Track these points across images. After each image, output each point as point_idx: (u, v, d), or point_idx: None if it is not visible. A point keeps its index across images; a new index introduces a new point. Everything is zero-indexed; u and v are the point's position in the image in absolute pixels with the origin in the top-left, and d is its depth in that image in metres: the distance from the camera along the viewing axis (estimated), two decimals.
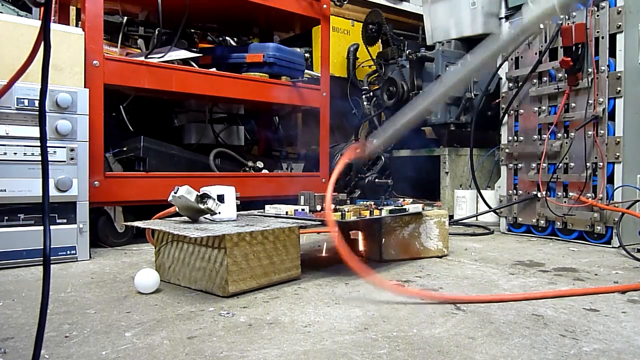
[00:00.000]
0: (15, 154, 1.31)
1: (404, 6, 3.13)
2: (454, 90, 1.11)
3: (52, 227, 1.33)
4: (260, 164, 2.03)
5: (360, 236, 1.44)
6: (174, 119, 2.28)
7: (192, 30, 2.34)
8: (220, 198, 1.21)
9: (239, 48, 2.03)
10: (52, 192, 1.35)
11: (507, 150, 2.04)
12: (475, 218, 2.28)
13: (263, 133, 2.54)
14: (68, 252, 1.38)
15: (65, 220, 1.38)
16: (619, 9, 1.65)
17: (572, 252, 1.60)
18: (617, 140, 1.66)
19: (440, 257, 1.47)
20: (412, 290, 1.08)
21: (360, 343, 0.76)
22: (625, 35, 1.65)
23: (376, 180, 2.30)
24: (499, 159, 2.13)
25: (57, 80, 1.40)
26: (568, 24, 1.78)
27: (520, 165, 1.99)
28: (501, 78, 2.09)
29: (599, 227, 1.70)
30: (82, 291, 1.07)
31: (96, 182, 1.51)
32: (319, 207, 1.29)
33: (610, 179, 1.70)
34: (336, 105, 2.37)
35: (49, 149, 1.33)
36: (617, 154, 1.66)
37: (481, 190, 2.21)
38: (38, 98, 0.64)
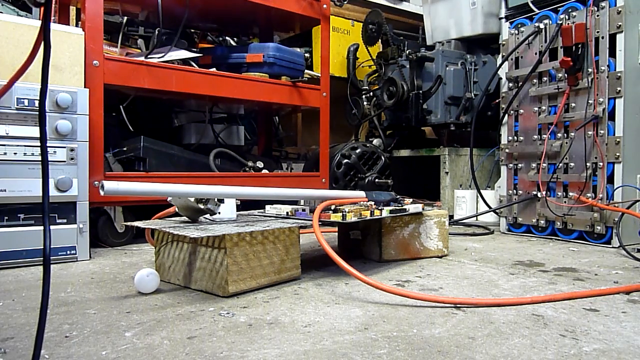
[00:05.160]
0: (15, 154, 1.31)
1: (404, 6, 3.12)
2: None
3: (52, 227, 1.33)
4: (260, 164, 2.03)
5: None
6: (174, 119, 2.28)
7: (192, 30, 2.34)
8: (220, 198, 1.21)
9: (239, 48, 2.03)
10: (52, 192, 1.35)
11: (507, 150, 2.04)
12: (475, 218, 2.28)
13: (263, 133, 2.54)
14: (68, 252, 1.38)
15: (65, 220, 1.38)
16: (619, 9, 1.65)
17: (572, 252, 1.60)
18: (617, 140, 1.66)
19: (440, 257, 1.47)
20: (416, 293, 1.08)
21: (360, 343, 0.76)
22: (625, 35, 1.65)
23: (376, 180, 2.30)
24: (499, 159, 2.13)
25: (57, 80, 1.40)
26: (568, 24, 1.78)
27: (520, 165, 1.99)
28: (501, 78, 2.09)
29: (599, 227, 1.70)
30: (82, 291, 1.07)
31: (96, 182, 1.51)
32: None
33: (610, 179, 1.70)
34: (336, 104, 2.36)
35: (49, 149, 1.33)
36: (617, 154, 1.66)
37: (481, 190, 2.21)
38: (38, 98, 0.64)
